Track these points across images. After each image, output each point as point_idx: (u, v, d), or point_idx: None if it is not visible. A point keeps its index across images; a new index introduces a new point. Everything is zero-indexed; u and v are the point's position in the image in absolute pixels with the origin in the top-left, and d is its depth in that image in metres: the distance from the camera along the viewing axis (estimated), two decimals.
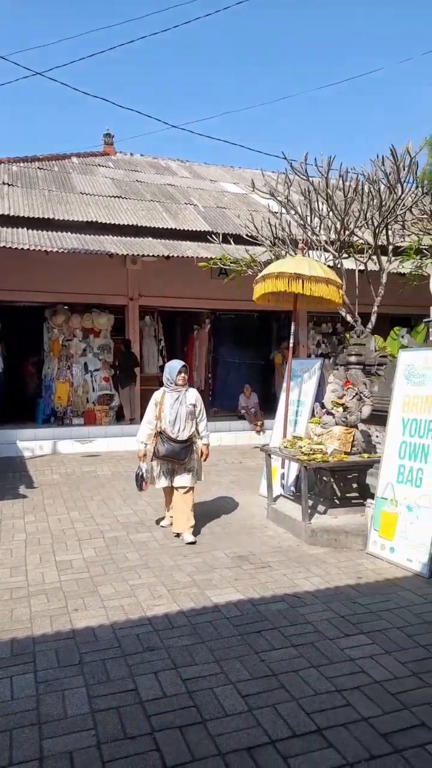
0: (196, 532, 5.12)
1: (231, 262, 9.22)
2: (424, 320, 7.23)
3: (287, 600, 3.74)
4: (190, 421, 5.06)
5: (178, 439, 4.99)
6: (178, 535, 5.11)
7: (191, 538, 4.99)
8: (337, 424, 5.32)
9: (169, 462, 5.07)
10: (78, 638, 3.26)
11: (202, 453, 5.19)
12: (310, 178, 8.27)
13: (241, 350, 12.81)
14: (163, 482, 5.18)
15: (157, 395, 5.20)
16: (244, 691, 2.70)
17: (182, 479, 5.09)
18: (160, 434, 5.01)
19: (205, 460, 5.24)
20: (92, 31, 22.52)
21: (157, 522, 5.60)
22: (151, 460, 5.14)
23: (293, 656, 3.02)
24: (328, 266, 6.59)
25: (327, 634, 3.26)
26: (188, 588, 3.99)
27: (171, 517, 5.34)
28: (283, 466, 6.12)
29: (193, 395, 5.16)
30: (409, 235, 9.28)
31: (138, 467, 5.25)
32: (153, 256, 9.88)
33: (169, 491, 5.30)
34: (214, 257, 9.43)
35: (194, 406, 5.10)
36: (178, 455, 5.02)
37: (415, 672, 2.85)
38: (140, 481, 5.21)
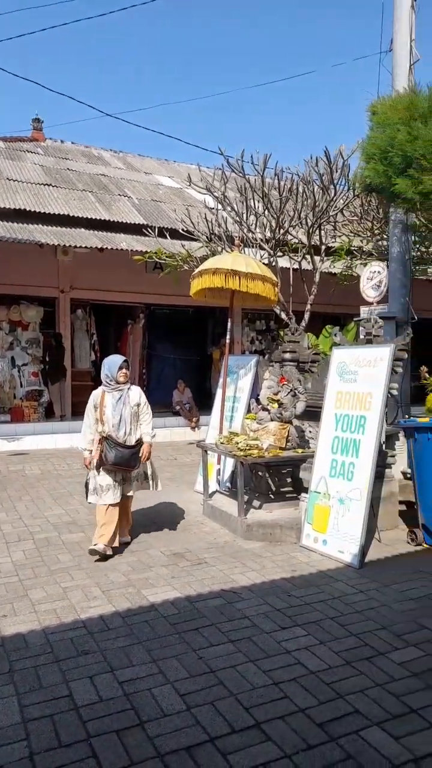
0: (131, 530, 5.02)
1: (167, 257, 9.14)
2: (354, 319, 7.48)
3: (224, 596, 3.75)
4: (136, 423, 4.66)
5: (126, 444, 4.54)
6: (96, 554, 4.44)
7: (128, 538, 4.81)
8: (272, 419, 5.39)
9: (120, 470, 4.58)
10: (7, 645, 3.11)
11: (145, 452, 4.74)
12: (247, 176, 8.34)
13: (176, 345, 12.75)
14: (113, 496, 4.54)
15: (95, 396, 4.65)
16: (182, 690, 2.68)
17: (134, 488, 4.75)
18: (107, 440, 4.50)
19: (146, 459, 4.80)
20: (21, 10, 21.51)
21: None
22: (98, 470, 4.55)
23: (231, 652, 3.02)
24: (264, 264, 6.67)
25: (264, 627, 3.29)
26: (124, 588, 3.91)
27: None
28: (219, 462, 6.14)
29: (136, 394, 4.70)
30: (340, 236, 9.57)
31: (87, 476, 4.71)
32: (86, 247, 9.62)
33: (116, 507, 4.60)
34: (149, 251, 9.32)
35: (138, 405, 4.69)
36: (129, 462, 4.55)
37: (348, 661, 2.93)
38: (87, 491, 4.70)
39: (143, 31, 51.90)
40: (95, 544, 4.48)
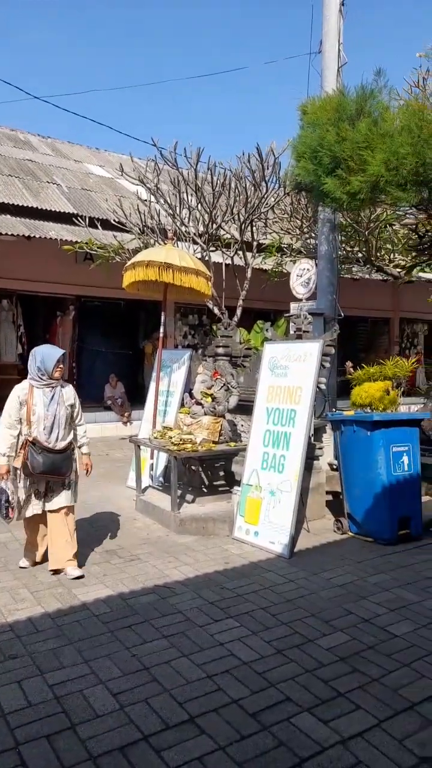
0: None
1: (98, 248, 8.94)
2: (284, 315, 7.64)
3: (158, 591, 3.73)
4: (69, 426, 4.09)
5: (56, 448, 3.93)
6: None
7: (78, 572, 3.98)
8: (206, 414, 5.41)
9: (47, 479, 3.96)
10: None
11: (86, 466, 4.24)
12: (180, 169, 8.28)
13: (108, 339, 12.50)
14: (34, 508, 3.98)
15: (20, 391, 3.96)
16: (115, 689, 2.64)
17: (61, 499, 4.01)
18: (32, 444, 3.87)
19: (88, 473, 4.25)
20: None
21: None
22: (18, 480, 3.94)
23: (165, 647, 3.01)
24: (197, 258, 6.66)
25: (197, 621, 3.31)
26: (53, 588, 3.80)
27: (39, 552, 4.21)
28: (152, 457, 6.09)
29: (71, 393, 4.14)
30: (270, 233, 9.73)
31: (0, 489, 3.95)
32: (12, 235, 9.21)
33: (36, 521, 4.08)
34: (80, 241, 9.07)
35: (73, 406, 4.12)
36: (59, 469, 3.94)
37: (280, 649, 3.00)
38: (5, 507, 3.93)
39: (74, 13, 50.18)
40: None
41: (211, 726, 2.38)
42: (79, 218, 9.68)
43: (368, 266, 9.27)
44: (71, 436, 4.12)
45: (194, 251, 8.21)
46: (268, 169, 7.96)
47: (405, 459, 4.80)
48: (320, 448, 5.56)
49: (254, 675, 2.76)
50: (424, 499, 5.22)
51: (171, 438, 5.34)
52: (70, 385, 4.22)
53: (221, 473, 5.59)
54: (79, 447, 4.23)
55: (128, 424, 10.77)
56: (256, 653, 2.96)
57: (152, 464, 6.11)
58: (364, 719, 2.42)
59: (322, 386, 5.53)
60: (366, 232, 8.27)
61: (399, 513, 4.71)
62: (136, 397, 11.61)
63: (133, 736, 2.32)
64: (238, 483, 5.16)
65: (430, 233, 5.91)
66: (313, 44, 7.32)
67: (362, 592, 3.70)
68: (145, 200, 8.81)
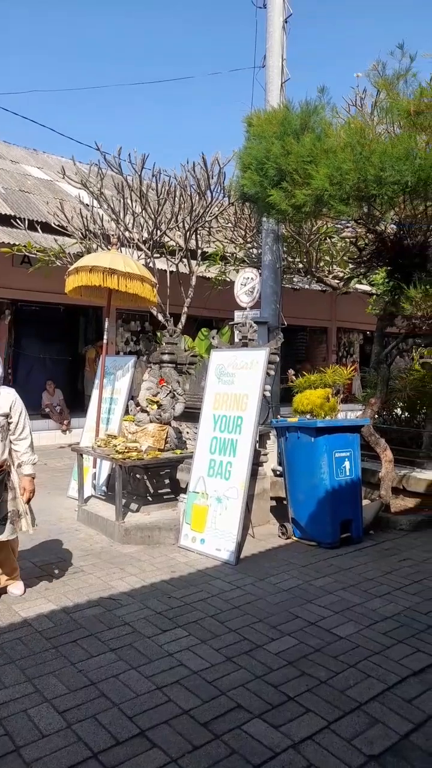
0: None
1: (38, 251, 8.69)
2: (229, 323, 7.70)
3: (103, 603, 3.64)
4: (5, 439, 3.55)
5: None
6: None
7: (19, 590, 3.73)
8: (151, 421, 5.36)
9: None
10: None
11: (23, 491, 3.62)
12: (125, 175, 8.22)
13: (46, 344, 12.15)
14: None
15: None
16: (61, 707, 2.54)
17: None
18: None
19: (27, 501, 3.66)
20: None
21: None
22: None
23: (112, 661, 2.94)
24: (142, 265, 6.61)
25: (145, 632, 3.25)
26: None
27: None
28: (95, 466, 5.95)
29: (7, 399, 3.54)
30: (215, 242, 9.82)
31: None
32: None
33: None
34: (18, 244, 8.79)
35: (7, 416, 3.53)
36: None
37: (229, 657, 2.99)
38: None
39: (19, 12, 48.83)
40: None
41: (163, 738, 2.33)
42: (17, 220, 9.39)
43: (308, 277, 9.53)
44: (6, 452, 3.55)
45: (138, 257, 8.15)
46: (213, 178, 8.04)
47: (347, 464, 4.94)
48: (265, 455, 5.63)
49: (204, 684, 2.74)
50: (364, 502, 5.38)
51: (115, 446, 5.25)
52: (9, 390, 3.61)
53: (167, 481, 5.55)
54: (18, 467, 3.62)
55: (67, 432, 10.51)
56: (205, 662, 2.94)
57: (95, 473, 5.97)
58: (314, 722, 2.45)
59: (267, 393, 5.61)
60: (307, 244, 8.50)
61: (341, 517, 4.83)
62: (75, 404, 11.34)
63: (82, 754, 2.24)
64: (184, 491, 5.13)
65: (368, 247, 6.15)
66: (257, 59, 7.49)
67: (307, 596, 3.76)
68: (88, 204, 8.67)
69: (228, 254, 9.86)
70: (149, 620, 3.40)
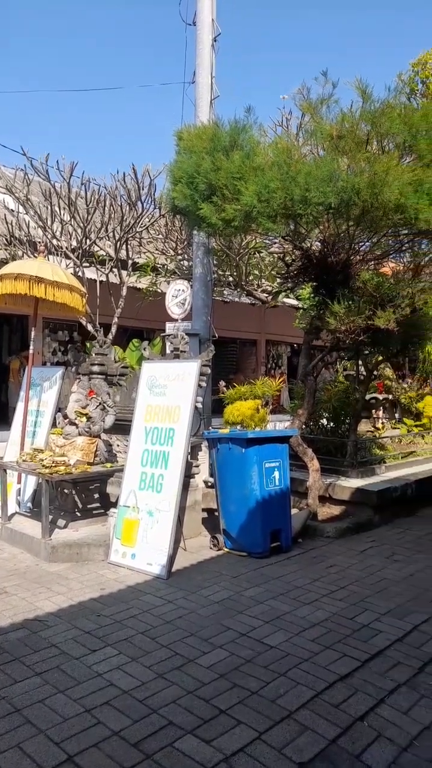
0: None
1: None
2: (161, 334, 7.69)
3: (28, 626, 3.48)
4: None
5: None
6: None
7: None
8: (80, 434, 5.23)
9: None
10: None
11: None
12: (53, 182, 8.05)
13: None
14: None
15: None
16: None
17: None
18: None
19: None
20: None
21: None
22: None
23: (38, 685, 2.82)
24: (70, 273, 6.48)
25: (73, 654, 3.14)
26: None
27: None
28: (19, 481, 5.72)
29: None
30: (145, 253, 9.80)
31: None
32: None
33: None
34: None
35: None
36: None
37: (160, 673, 2.95)
38: None
39: None
40: None
41: (92, 762, 2.26)
42: None
43: (238, 290, 9.70)
44: None
45: (67, 266, 7.98)
46: (143, 189, 8.03)
47: (276, 474, 5.03)
48: (196, 466, 5.63)
49: (135, 703, 2.68)
50: (293, 511, 5.50)
51: (42, 460, 5.07)
52: None
53: (96, 495, 5.42)
54: None
55: None
56: (136, 680, 2.88)
57: (19, 489, 5.74)
58: (245, 733, 2.46)
59: (199, 405, 5.63)
60: (237, 258, 8.65)
61: (271, 527, 4.92)
62: None
63: None
64: (115, 505, 5.03)
65: (295, 262, 6.35)
66: (188, 74, 7.59)
67: (239, 607, 3.78)
68: (13, 210, 8.40)
69: (159, 265, 9.86)
70: (77, 640, 3.29)
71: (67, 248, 8.16)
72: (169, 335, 6.10)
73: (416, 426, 9.19)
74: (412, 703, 2.72)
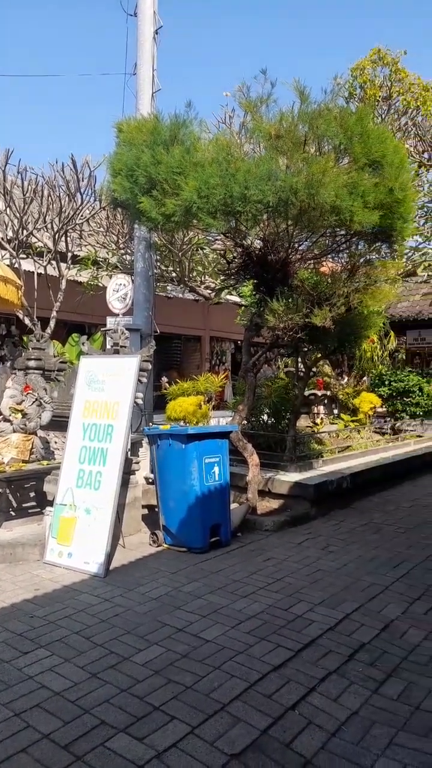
0: None
1: None
2: (101, 329, 7.56)
3: None
4: None
5: None
6: None
7: None
8: (15, 431, 5.07)
9: None
10: None
11: None
12: None
13: None
14: None
15: None
16: None
17: None
18: None
19: None
20: None
21: None
22: None
23: None
24: (5, 265, 6.26)
25: (3, 657, 3.05)
26: None
27: None
28: None
29: None
30: (86, 246, 9.60)
31: None
32: None
33: None
34: None
35: None
36: None
37: (94, 673, 2.91)
38: None
39: None
40: None
41: None
42: None
43: (181, 286, 9.68)
44: None
45: (2, 257, 7.71)
46: (83, 181, 7.86)
47: (216, 469, 5.06)
48: (137, 463, 5.58)
49: (67, 704, 2.63)
50: (233, 506, 5.56)
51: None
52: None
53: (32, 494, 5.28)
54: None
55: None
56: (69, 681, 2.83)
57: None
58: (178, 729, 2.47)
59: (139, 401, 5.59)
60: (179, 254, 8.63)
61: (210, 521, 4.94)
62: None
63: None
64: (51, 503, 4.92)
65: (236, 259, 6.39)
66: (129, 66, 7.48)
67: (176, 603, 3.78)
68: None
69: (100, 259, 9.68)
70: (8, 643, 3.19)
71: (2, 239, 7.87)
72: (109, 330, 6.01)
73: (353, 421, 9.48)
74: (342, 690, 2.81)
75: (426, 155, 9.25)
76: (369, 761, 2.32)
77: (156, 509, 5.26)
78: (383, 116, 9.47)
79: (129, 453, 5.30)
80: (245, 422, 7.14)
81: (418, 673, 2.99)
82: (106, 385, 4.94)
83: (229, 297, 10.86)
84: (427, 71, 32.85)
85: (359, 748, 2.40)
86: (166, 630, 3.38)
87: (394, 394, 11.16)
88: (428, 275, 9.72)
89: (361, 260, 6.09)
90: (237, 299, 11.00)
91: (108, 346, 5.81)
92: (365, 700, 2.74)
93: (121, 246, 9.50)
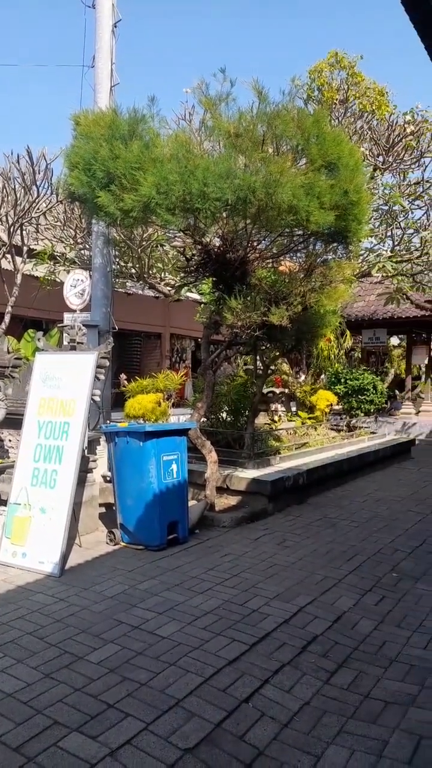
0: None
1: None
2: (58, 325, 7.43)
3: None
4: None
5: None
6: None
7: None
8: None
9: None
10: None
11: None
12: None
13: None
14: None
15: None
16: None
17: None
18: None
19: None
20: None
21: None
22: None
23: None
24: None
25: None
26: None
27: None
28: None
29: None
30: (43, 240, 9.41)
31: None
32: None
33: None
34: None
35: None
36: None
37: (47, 673, 2.87)
38: None
39: None
40: None
41: None
42: None
43: (141, 282, 9.60)
44: None
45: None
46: (39, 173, 7.70)
47: (174, 467, 5.06)
48: (94, 461, 5.52)
49: (19, 705, 2.59)
50: (191, 503, 5.57)
51: None
52: None
53: None
54: None
55: None
56: (21, 682, 2.78)
57: None
58: (133, 725, 2.47)
59: (97, 398, 5.52)
60: (139, 250, 8.56)
61: (168, 519, 4.94)
62: None
63: None
64: (5, 503, 4.81)
65: (196, 257, 6.40)
66: (87, 58, 7.36)
67: (132, 600, 3.77)
68: None
69: (57, 254, 9.51)
70: None
71: None
72: (66, 326, 5.91)
73: (310, 418, 9.65)
74: (294, 682, 2.87)
75: (381, 159, 9.48)
76: (319, 749, 2.39)
77: (113, 507, 5.22)
78: (340, 119, 9.64)
79: (86, 451, 5.23)
80: (204, 419, 7.17)
81: (367, 662, 3.09)
82: (63, 382, 4.86)
83: (189, 294, 10.86)
84: (382, 76, 33.67)
85: (310, 737, 2.46)
86: (122, 628, 3.37)
87: (350, 391, 11.42)
88: (382, 276, 9.97)
89: (318, 260, 6.19)
90: (197, 297, 11.01)
91: (65, 343, 5.71)
92: (317, 690, 2.81)
93: (79, 241, 9.36)
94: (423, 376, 16.93)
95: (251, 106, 5.11)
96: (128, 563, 4.51)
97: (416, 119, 9.48)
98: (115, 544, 4.98)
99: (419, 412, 14.58)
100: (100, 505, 5.65)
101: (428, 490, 7.50)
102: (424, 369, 16.81)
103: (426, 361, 15.96)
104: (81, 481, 5.09)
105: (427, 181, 9.75)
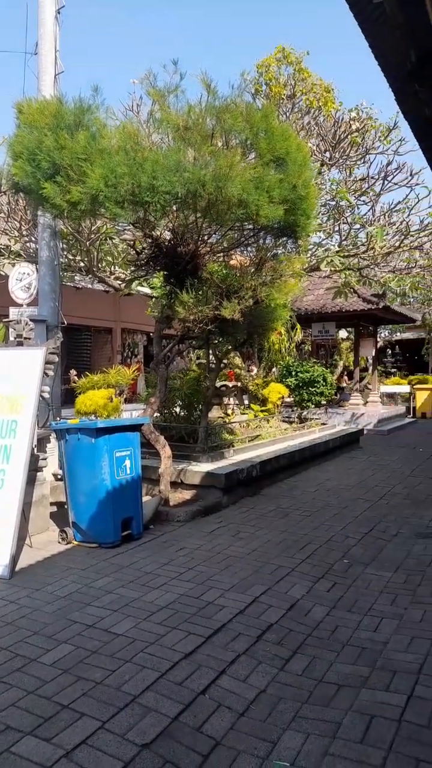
0: None
1: None
2: (3, 320, 7.20)
3: None
4: None
5: None
6: None
7: None
8: None
9: None
10: None
11: None
12: None
13: None
14: None
15: None
16: None
17: None
18: None
19: None
20: None
21: None
22: None
23: None
24: None
25: None
26: None
27: None
28: None
29: None
30: None
31: None
32: None
33: None
34: None
35: None
36: None
37: None
38: None
39: None
40: None
41: None
42: None
43: (90, 276, 9.42)
44: None
45: None
46: None
47: (127, 463, 5.01)
48: (44, 459, 5.40)
49: None
50: (145, 498, 5.54)
51: None
52: None
53: None
54: None
55: None
56: None
57: None
58: (88, 725, 2.44)
59: (46, 395, 5.40)
60: (87, 243, 8.39)
61: (122, 515, 4.89)
62: None
63: None
64: None
65: (146, 250, 6.33)
66: (29, 44, 7.11)
67: (86, 599, 3.71)
68: None
69: (2, 246, 9.20)
70: None
71: None
72: (12, 321, 5.73)
73: (262, 411, 9.76)
74: (250, 671, 2.91)
75: (327, 155, 9.64)
76: (275, 736, 2.43)
77: (65, 506, 5.12)
78: (288, 114, 9.74)
79: (35, 449, 5.11)
80: (157, 414, 7.13)
81: (321, 647, 3.16)
82: (10, 378, 4.72)
83: (140, 288, 10.74)
84: (327, 73, 34.24)
85: (266, 724, 2.50)
86: (75, 627, 3.32)
87: (301, 384, 11.62)
88: (331, 270, 10.17)
89: (268, 255, 6.24)
90: (148, 291, 10.89)
91: (11, 338, 5.55)
92: (272, 678, 2.86)
93: (25, 233, 9.08)
94: (370, 368, 17.42)
95: (200, 100, 5.09)
96: (81, 562, 4.45)
97: (361, 116, 9.68)
98: (67, 543, 4.89)
99: (367, 402, 14.99)
100: (52, 503, 5.53)
101: (376, 478, 7.74)
102: (371, 361, 17.29)
103: (373, 354, 16.41)
104: (31, 480, 4.97)
105: (372, 177, 10.00)
